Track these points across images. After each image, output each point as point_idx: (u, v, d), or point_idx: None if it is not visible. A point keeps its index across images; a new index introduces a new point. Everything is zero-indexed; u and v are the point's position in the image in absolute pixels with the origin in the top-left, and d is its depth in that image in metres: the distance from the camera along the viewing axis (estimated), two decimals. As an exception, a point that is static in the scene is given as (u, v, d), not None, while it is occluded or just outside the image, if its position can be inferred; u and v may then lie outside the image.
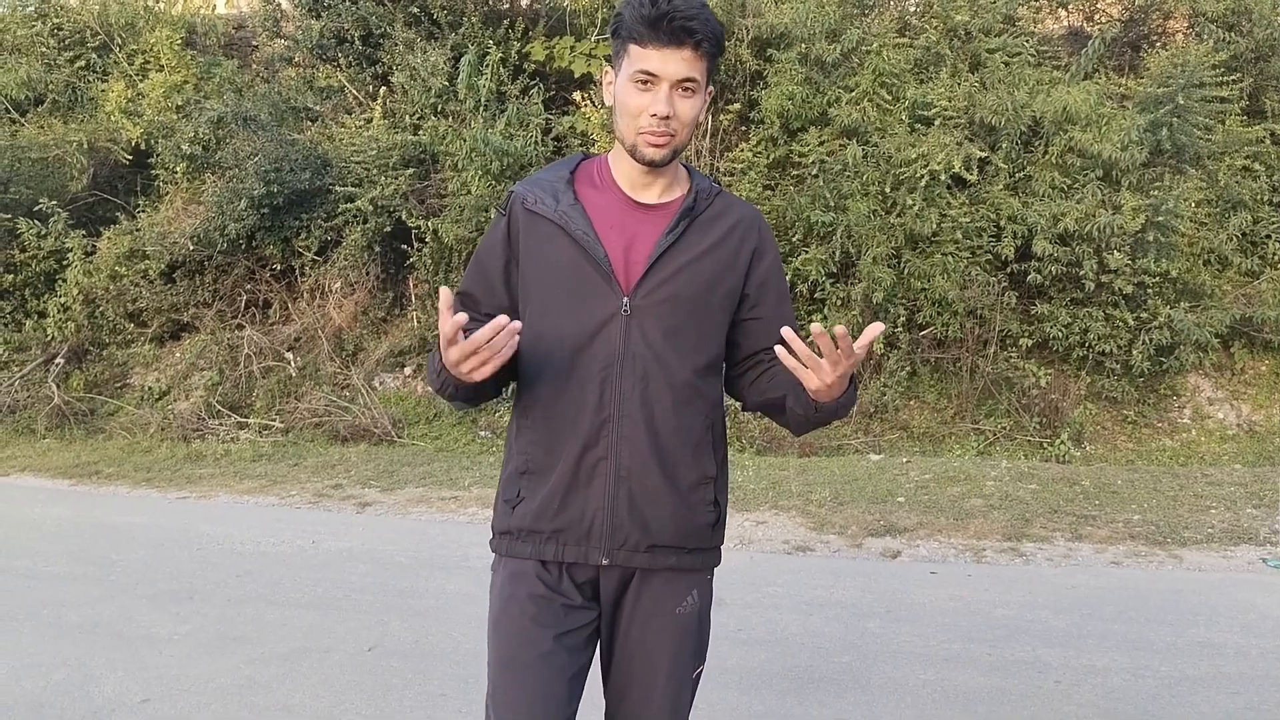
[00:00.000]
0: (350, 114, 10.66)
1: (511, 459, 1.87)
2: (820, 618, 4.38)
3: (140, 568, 5.42)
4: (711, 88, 1.84)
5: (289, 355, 9.85)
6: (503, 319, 1.57)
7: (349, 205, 9.51)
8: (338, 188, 9.62)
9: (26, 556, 5.73)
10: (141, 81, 11.38)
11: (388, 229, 9.57)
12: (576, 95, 9.61)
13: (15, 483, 7.95)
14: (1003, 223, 8.10)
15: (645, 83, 1.72)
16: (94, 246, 10.36)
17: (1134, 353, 7.96)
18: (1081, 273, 7.84)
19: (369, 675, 3.90)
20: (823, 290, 8.40)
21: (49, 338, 10.40)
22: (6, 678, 4.01)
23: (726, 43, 8.97)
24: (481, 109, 9.80)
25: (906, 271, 8.13)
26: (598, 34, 9.96)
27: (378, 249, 9.75)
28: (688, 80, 1.72)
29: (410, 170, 9.62)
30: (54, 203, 10.26)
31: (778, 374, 1.86)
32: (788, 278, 8.26)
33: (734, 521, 5.95)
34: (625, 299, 1.76)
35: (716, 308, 1.84)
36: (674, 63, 1.70)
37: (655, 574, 1.83)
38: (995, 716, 3.44)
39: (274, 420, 9.24)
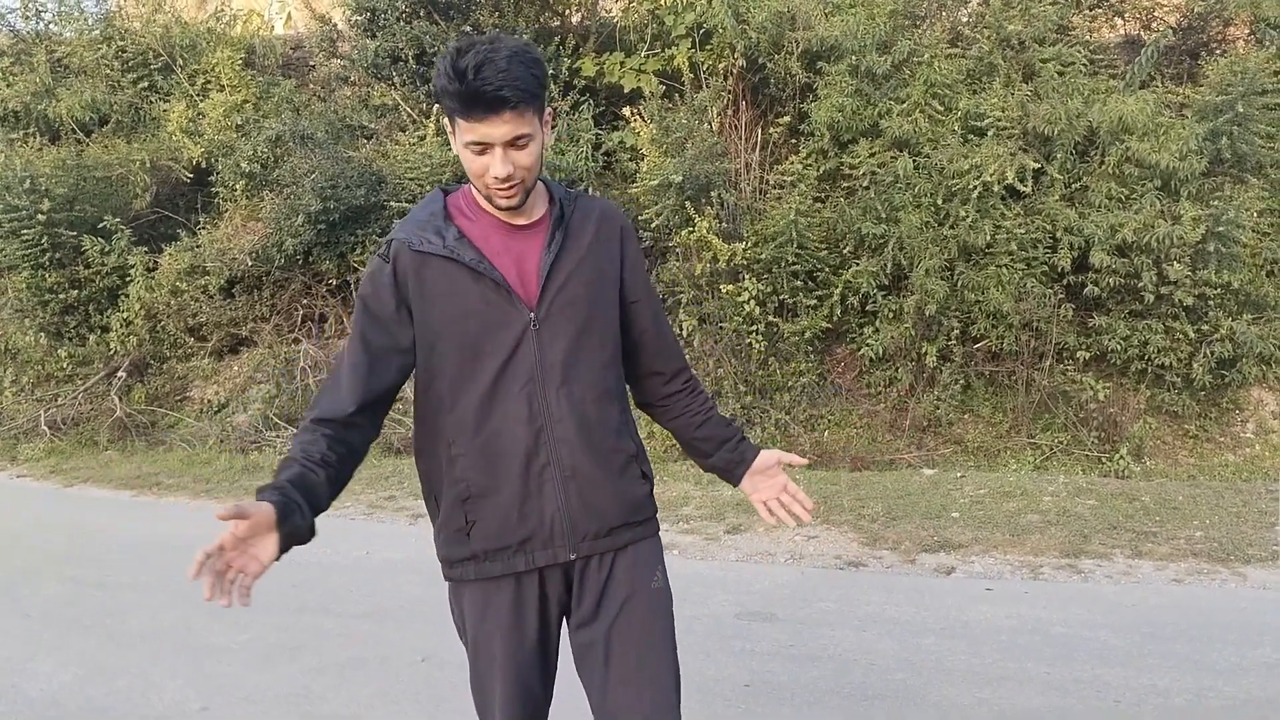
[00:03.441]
0: (404, 131, 10.81)
1: (448, 488, 1.96)
2: (873, 634, 4.33)
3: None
4: (549, 114, 1.90)
5: (344, 369, 9.99)
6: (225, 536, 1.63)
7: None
8: (392, 204, 9.76)
9: (90, 566, 5.87)
10: (202, 101, 11.65)
11: (440, 244, 9.67)
12: (626, 110, 9.67)
13: (79, 493, 8.15)
14: (1059, 234, 7.99)
15: (480, 150, 1.80)
16: (156, 263, 10.60)
17: (1195, 366, 7.78)
18: (1140, 284, 7.69)
19: (423, 685, 3.94)
20: (874, 303, 8.34)
21: (112, 352, 10.66)
22: (71, 684, 4.11)
23: (776, 56, 9.02)
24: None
25: (960, 284, 8.04)
26: (648, 49, 10.01)
27: (430, 264, 9.86)
28: (517, 138, 1.79)
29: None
30: (117, 220, 10.53)
31: (706, 429, 2.21)
32: (838, 290, 8.33)
33: (785, 536, 5.92)
34: (531, 313, 1.89)
35: (609, 301, 2.00)
36: (498, 128, 1.76)
37: (620, 554, 2.01)
38: (1053, 736, 3.39)
39: (329, 433, 9.36)
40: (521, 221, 1.94)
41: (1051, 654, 4.06)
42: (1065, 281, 8.07)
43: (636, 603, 2.00)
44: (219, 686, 4.03)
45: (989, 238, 7.88)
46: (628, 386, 2.16)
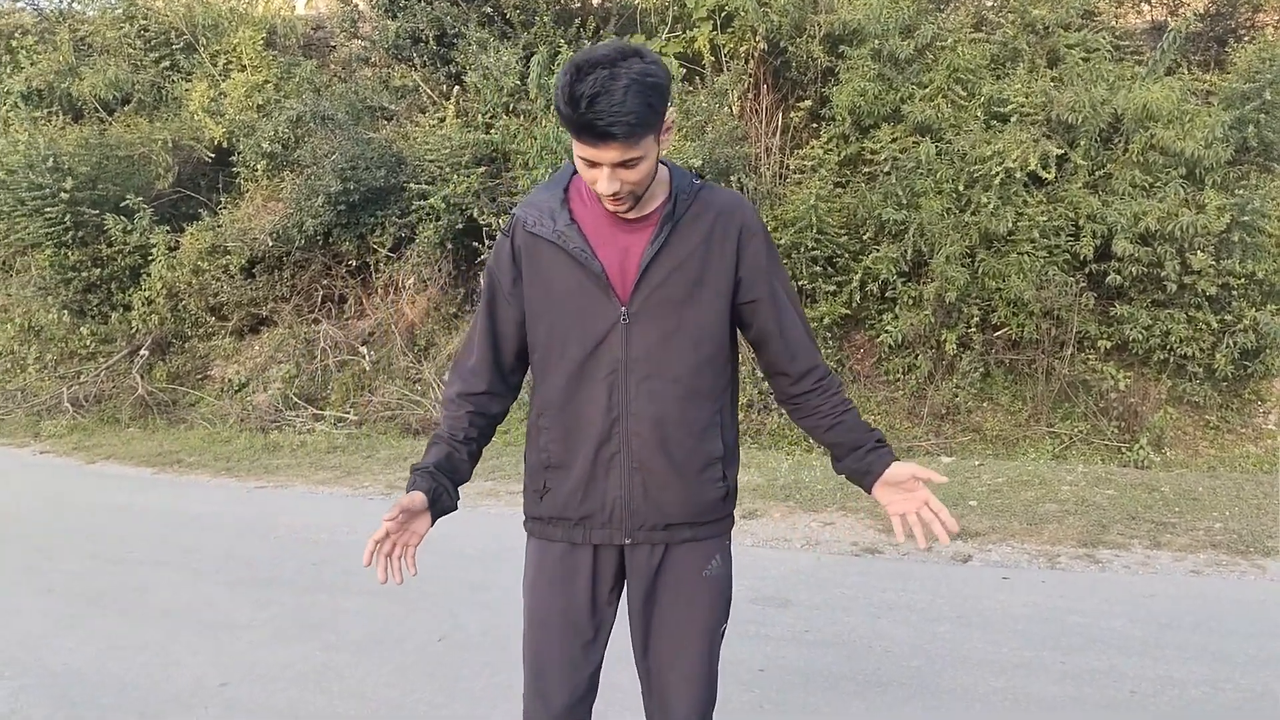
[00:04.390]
0: (424, 113, 10.81)
1: (534, 453, 2.09)
2: (888, 621, 4.34)
3: (220, 555, 5.58)
4: (669, 120, 1.87)
5: (363, 349, 10.04)
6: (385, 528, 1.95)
7: (422, 203, 9.65)
8: (411, 185, 9.77)
9: (112, 542, 5.93)
10: (224, 81, 11.68)
11: (460, 226, 9.69)
12: (647, 93, 9.62)
13: (101, 470, 8.23)
14: (1081, 222, 7.93)
15: (590, 165, 1.83)
16: (177, 242, 10.66)
17: (1217, 356, 7.73)
18: (1163, 274, 7.64)
19: (439, 665, 3.97)
20: (894, 289, 8.31)
21: (134, 330, 10.74)
22: (94, 659, 4.16)
23: (797, 39, 8.97)
24: (552, 108, 9.87)
25: (981, 271, 8.00)
26: (668, 31, 9.97)
27: (450, 246, 9.89)
28: (626, 161, 1.79)
29: (482, 168, 9.72)
30: (140, 199, 10.56)
31: (834, 434, 2.10)
32: (858, 277, 8.30)
33: (801, 522, 5.93)
34: (623, 308, 1.94)
35: (709, 303, 1.97)
36: (606, 154, 1.78)
37: (676, 545, 2.04)
38: (1068, 725, 3.38)
39: (348, 413, 9.42)
40: (633, 216, 1.95)
41: (1068, 643, 4.05)
42: (1087, 270, 8.02)
43: (681, 594, 2.05)
44: (238, 663, 4.07)
45: (1011, 225, 7.84)
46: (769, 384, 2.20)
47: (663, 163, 1.99)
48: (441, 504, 2.04)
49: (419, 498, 1.98)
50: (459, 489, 2.10)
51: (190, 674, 3.98)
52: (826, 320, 8.45)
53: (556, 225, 1.95)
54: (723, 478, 2.06)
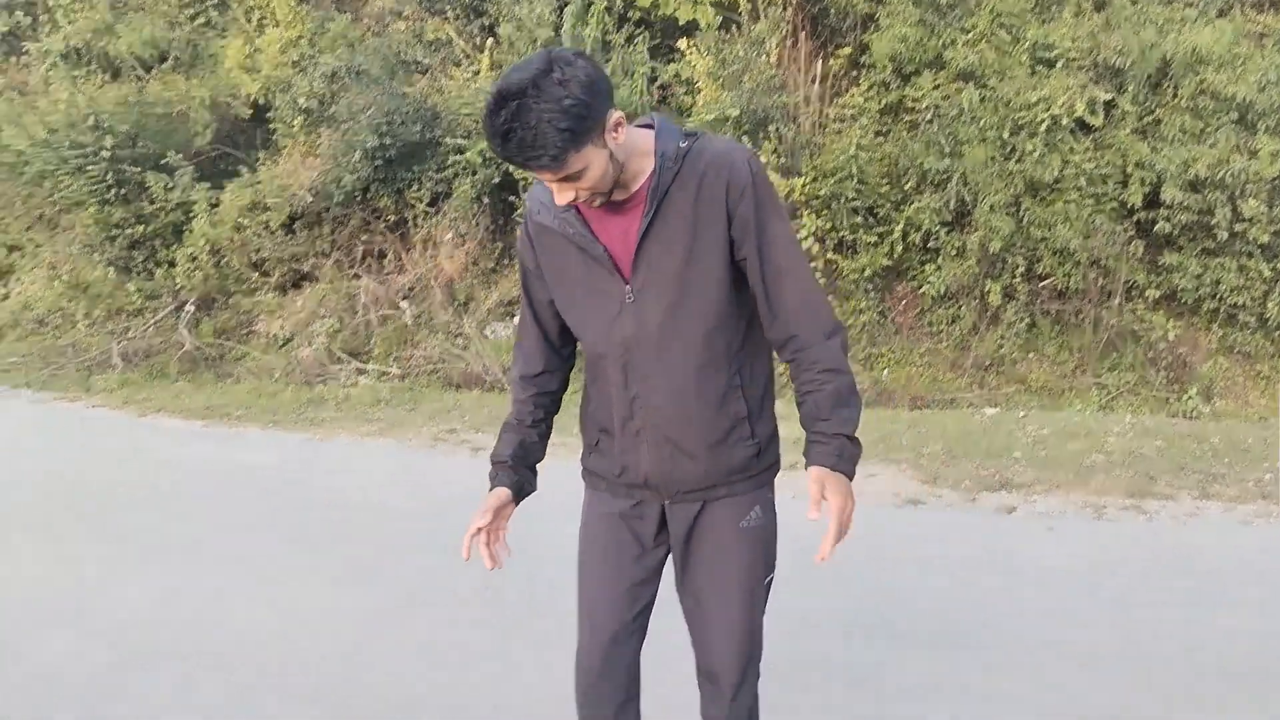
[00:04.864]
0: (458, 66, 10.75)
1: (589, 414, 2.17)
2: (932, 572, 4.34)
3: (269, 506, 5.68)
4: (615, 121, 1.78)
5: (404, 304, 10.10)
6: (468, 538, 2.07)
7: (458, 157, 9.63)
8: (447, 140, 9.75)
9: (165, 493, 6.06)
10: (259, 38, 11.67)
11: (496, 181, 9.67)
12: (682, 42, 9.49)
13: (152, 423, 8.37)
14: (1129, 169, 7.77)
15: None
16: (218, 199, 10.73)
17: (1269, 305, 7.59)
18: (1214, 221, 7.48)
19: (488, 613, 4.04)
20: (937, 239, 8.21)
21: (179, 286, 10.86)
22: (150, 609, 4.27)
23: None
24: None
25: (1026, 220, 7.88)
26: (705, -21, 9.81)
27: (486, 200, 9.88)
28: (566, 177, 1.77)
29: (519, 121, 9.67)
30: (179, 156, 10.64)
31: (801, 409, 1.98)
32: (900, 227, 8.20)
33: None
34: (628, 287, 1.93)
35: (708, 267, 1.91)
36: (543, 176, 1.78)
37: (714, 501, 2.07)
38: (1115, 676, 3.38)
39: (391, 366, 9.51)
40: (619, 197, 1.90)
41: (1115, 594, 4.04)
42: (1135, 218, 7.88)
43: (720, 546, 2.08)
44: (290, 610, 4.16)
45: (1057, 173, 7.70)
46: None
47: (648, 125, 1.93)
48: (525, 491, 2.19)
49: (504, 494, 2.13)
50: (537, 468, 2.24)
51: (242, 622, 4.08)
52: (868, 271, 8.38)
53: (556, 212, 1.94)
54: (751, 435, 2.02)
